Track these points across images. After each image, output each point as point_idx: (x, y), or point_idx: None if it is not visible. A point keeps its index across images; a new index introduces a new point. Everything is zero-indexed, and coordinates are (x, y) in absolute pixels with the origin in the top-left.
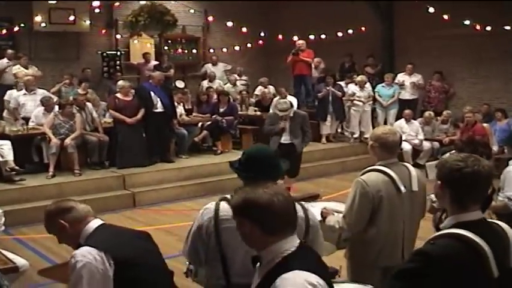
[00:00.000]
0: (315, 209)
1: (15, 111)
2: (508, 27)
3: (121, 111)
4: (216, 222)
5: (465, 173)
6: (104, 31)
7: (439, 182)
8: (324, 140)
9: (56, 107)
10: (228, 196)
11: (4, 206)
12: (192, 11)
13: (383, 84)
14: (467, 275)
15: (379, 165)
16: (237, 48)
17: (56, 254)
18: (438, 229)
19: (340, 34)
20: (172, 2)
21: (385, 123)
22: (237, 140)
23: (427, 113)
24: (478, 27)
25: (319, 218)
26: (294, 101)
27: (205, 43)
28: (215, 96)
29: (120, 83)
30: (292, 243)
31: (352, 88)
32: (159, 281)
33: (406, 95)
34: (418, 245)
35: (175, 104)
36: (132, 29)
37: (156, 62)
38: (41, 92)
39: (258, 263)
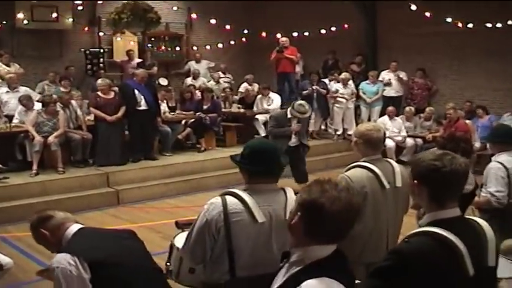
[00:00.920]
0: None
1: None
2: (489, 25)
3: (102, 109)
4: (225, 216)
5: (443, 172)
6: (86, 29)
7: (415, 181)
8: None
9: (39, 105)
10: (234, 190)
11: None
12: (175, 8)
13: (367, 81)
14: (442, 273)
15: (363, 161)
16: (220, 45)
17: (40, 253)
18: None
19: (323, 31)
20: None
21: (369, 120)
22: (220, 138)
23: (407, 108)
24: (460, 24)
25: None
26: (278, 98)
27: (188, 40)
28: (199, 94)
29: (100, 81)
30: (329, 249)
31: (335, 85)
32: (144, 279)
33: (392, 92)
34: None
35: (159, 101)
36: (115, 26)
37: (140, 60)
38: (23, 90)
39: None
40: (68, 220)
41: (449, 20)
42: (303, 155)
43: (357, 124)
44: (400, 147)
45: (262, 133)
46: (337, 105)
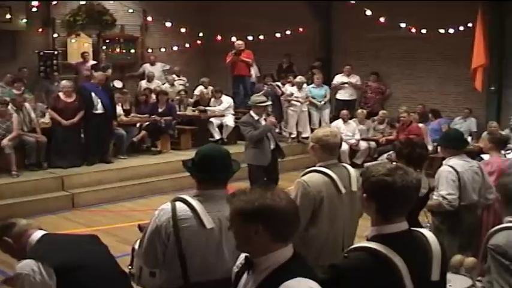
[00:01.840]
0: None
1: None
2: (442, 31)
3: (60, 112)
4: (174, 222)
5: (393, 189)
6: (40, 30)
7: (364, 194)
8: None
9: None
10: (183, 196)
11: None
12: (130, 10)
13: (313, 85)
14: None
15: (320, 166)
16: (175, 48)
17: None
18: None
19: (278, 35)
20: (111, 1)
21: (320, 123)
22: (175, 141)
23: (359, 111)
24: (413, 29)
25: None
26: (230, 101)
27: (143, 43)
28: (154, 97)
29: (64, 82)
30: (290, 251)
31: (290, 89)
32: (109, 283)
33: (346, 95)
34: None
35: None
36: (70, 28)
37: (94, 62)
38: None
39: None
40: (31, 227)
41: (403, 25)
42: (276, 163)
43: (310, 127)
44: (354, 150)
45: (217, 136)
46: (291, 108)
